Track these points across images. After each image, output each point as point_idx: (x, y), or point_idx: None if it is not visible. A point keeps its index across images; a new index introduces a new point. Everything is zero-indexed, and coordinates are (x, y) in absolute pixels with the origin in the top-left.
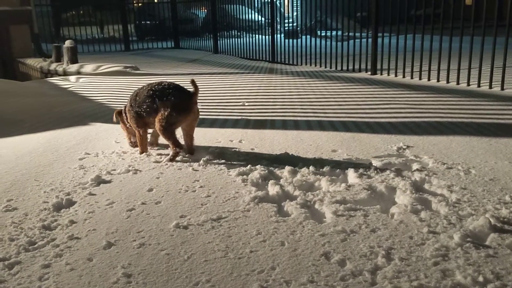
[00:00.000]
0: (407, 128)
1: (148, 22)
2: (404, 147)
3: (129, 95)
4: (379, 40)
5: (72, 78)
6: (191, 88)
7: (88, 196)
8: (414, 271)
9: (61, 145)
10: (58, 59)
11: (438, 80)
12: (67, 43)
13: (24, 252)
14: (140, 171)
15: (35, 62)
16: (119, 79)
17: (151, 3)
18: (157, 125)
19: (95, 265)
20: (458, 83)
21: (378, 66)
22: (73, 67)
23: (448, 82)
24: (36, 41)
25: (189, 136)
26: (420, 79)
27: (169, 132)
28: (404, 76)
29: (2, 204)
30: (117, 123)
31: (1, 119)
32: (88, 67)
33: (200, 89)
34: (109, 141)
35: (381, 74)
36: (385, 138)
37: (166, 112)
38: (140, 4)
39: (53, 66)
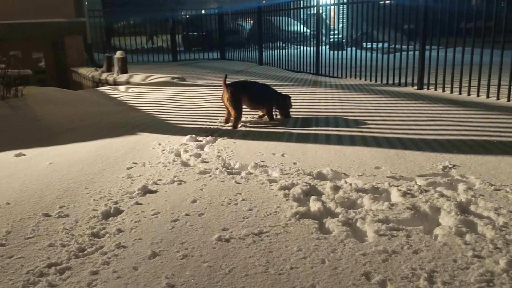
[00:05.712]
0: (453, 146)
1: (195, 33)
2: (450, 166)
3: (176, 106)
4: (427, 53)
5: (122, 87)
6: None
7: (135, 205)
8: None
9: (111, 154)
10: (109, 69)
11: (487, 96)
12: (118, 54)
13: (74, 258)
14: (185, 182)
15: (87, 72)
16: (167, 89)
17: (199, 15)
18: None
19: (141, 274)
20: (509, 100)
21: (425, 81)
22: (123, 77)
23: (498, 98)
24: (89, 51)
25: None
26: (468, 94)
27: None
28: (452, 92)
29: (55, 210)
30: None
31: (56, 127)
32: (137, 77)
33: None
34: (155, 151)
35: (428, 88)
36: (430, 156)
37: None
38: (187, 16)
39: (104, 75)
